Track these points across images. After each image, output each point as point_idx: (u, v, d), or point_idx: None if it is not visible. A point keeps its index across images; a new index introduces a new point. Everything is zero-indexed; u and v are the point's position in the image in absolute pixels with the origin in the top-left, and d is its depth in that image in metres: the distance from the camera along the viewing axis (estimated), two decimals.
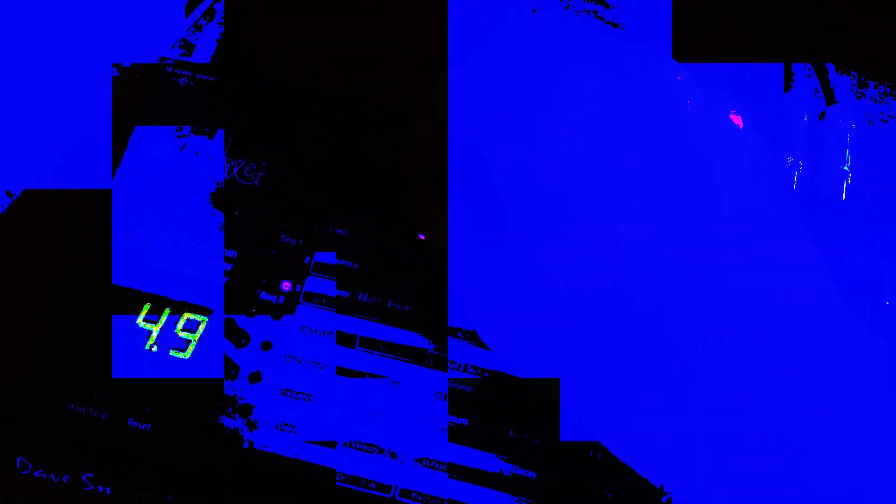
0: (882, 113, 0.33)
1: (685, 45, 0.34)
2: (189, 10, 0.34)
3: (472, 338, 0.29)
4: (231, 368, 0.28)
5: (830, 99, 0.33)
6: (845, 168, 0.32)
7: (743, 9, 0.36)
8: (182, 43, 0.33)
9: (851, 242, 0.30)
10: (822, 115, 0.33)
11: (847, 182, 0.32)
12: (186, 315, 0.29)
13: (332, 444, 0.28)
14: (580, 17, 0.34)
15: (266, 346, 0.29)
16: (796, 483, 0.21)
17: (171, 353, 0.28)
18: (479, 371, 0.28)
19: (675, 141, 0.23)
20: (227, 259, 0.30)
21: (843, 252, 0.30)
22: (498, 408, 0.28)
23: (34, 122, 0.32)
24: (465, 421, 0.28)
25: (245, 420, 0.28)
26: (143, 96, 0.32)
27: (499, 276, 0.24)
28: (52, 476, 0.27)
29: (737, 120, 0.23)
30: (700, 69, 0.33)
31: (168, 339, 0.29)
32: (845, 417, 0.22)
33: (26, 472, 0.27)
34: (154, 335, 0.29)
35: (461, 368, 0.28)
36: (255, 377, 0.28)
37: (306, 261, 0.30)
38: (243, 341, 0.29)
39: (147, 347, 0.28)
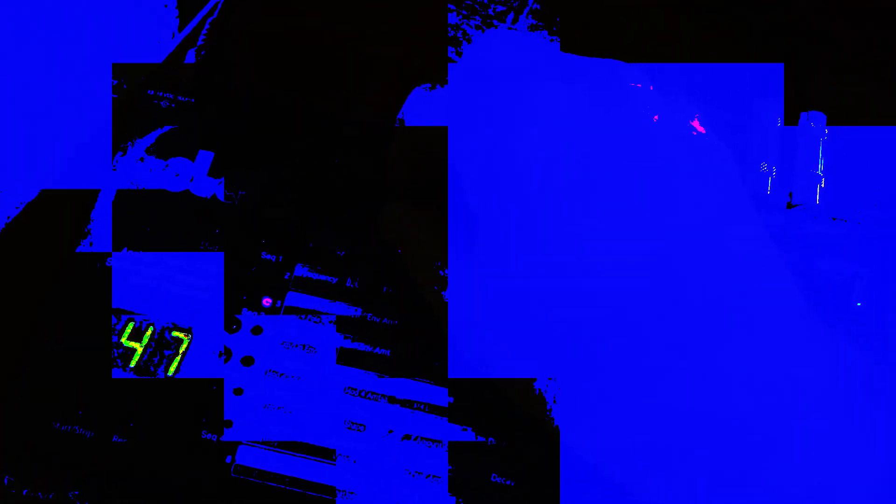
0: (854, 116, 0.33)
1: (655, 49, 0.34)
2: (181, 28, 0.35)
3: (456, 349, 0.29)
4: (213, 384, 0.29)
5: (804, 104, 0.34)
6: (818, 172, 0.32)
7: (715, 11, 0.36)
8: (163, 65, 0.34)
9: (825, 246, 0.30)
10: (796, 119, 0.33)
11: (820, 186, 0.32)
12: (169, 333, 0.29)
13: (314, 458, 0.28)
14: (545, 33, 0.35)
15: (247, 361, 0.29)
16: (780, 487, 0.21)
17: (155, 370, 0.29)
18: (461, 381, 0.29)
19: (642, 150, 0.23)
20: (208, 276, 0.30)
21: (816, 255, 0.30)
22: (481, 417, 0.28)
23: (33, 124, 0.33)
24: (449, 431, 0.28)
25: (228, 435, 0.28)
26: (125, 118, 0.33)
27: (477, 284, 0.25)
28: (39, 494, 0.28)
29: (698, 126, 0.24)
30: (669, 71, 0.33)
31: (151, 356, 0.29)
32: (820, 418, 0.22)
33: (14, 490, 0.28)
34: (137, 353, 0.29)
35: (442, 380, 0.29)
36: (237, 392, 0.29)
37: (286, 276, 0.30)
38: (225, 357, 0.29)
39: (131, 365, 0.29)
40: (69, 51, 0.35)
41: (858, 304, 0.29)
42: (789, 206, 0.31)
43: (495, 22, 0.36)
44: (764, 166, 0.32)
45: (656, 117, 0.23)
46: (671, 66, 0.34)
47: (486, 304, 0.24)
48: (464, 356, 0.26)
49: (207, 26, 0.36)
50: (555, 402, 0.24)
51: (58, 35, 0.35)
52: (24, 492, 0.27)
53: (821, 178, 0.32)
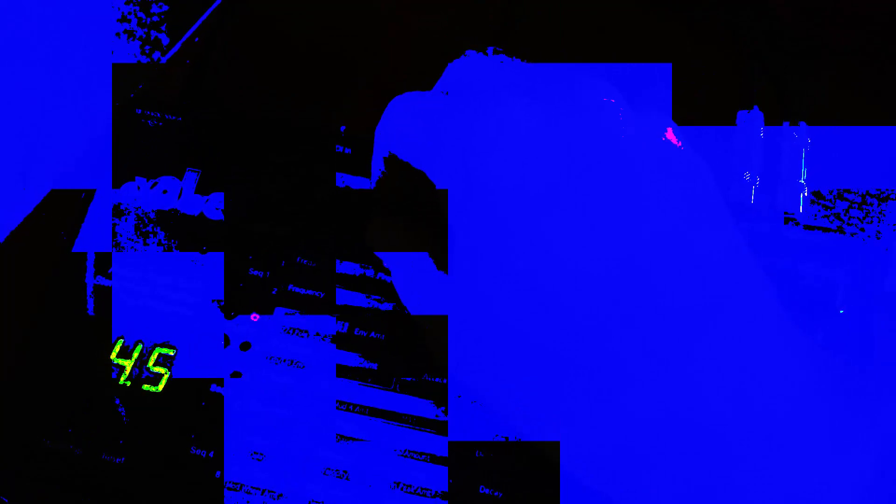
0: (838, 125, 0.34)
1: (637, 55, 0.35)
2: (169, 47, 0.36)
3: (439, 363, 0.29)
4: (202, 399, 0.29)
5: (786, 113, 0.34)
6: (801, 181, 0.32)
7: (700, 22, 0.37)
8: (151, 84, 0.34)
9: (809, 252, 0.31)
10: (779, 129, 0.33)
11: (804, 195, 0.32)
12: (158, 350, 0.30)
13: (304, 472, 0.28)
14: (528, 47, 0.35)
15: (236, 376, 0.29)
16: (762, 491, 0.21)
17: (144, 387, 0.29)
18: (444, 394, 0.29)
19: (616, 163, 0.23)
20: (196, 293, 0.30)
21: (800, 262, 0.30)
22: (465, 426, 0.29)
23: (33, 125, 0.34)
24: (437, 444, 0.28)
25: (217, 450, 0.28)
26: (120, 129, 0.33)
27: (455, 300, 0.25)
28: None
29: (672, 137, 0.24)
30: (650, 79, 0.34)
31: (140, 373, 0.29)
32: (803, 429, 0.22)
33: None
34: (127, 370, 0.29)
35: (430, 393, 0.29)
36: (225, 407, 0.29)
37: (274, 292, 0.30)
38: (213, 373, 0.29)
39: (121, 382, 0.29)
40: (71, 53, 0.35)
41: (841, 311, 0.29)
42: (787, 220, 0.31)
43: (484, 35, 0.36)
44: (747, 175, 0.32)
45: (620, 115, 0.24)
46: (652, 74, 0.34)
47: (472, 316, 0.25)
48: (459, 372, 0.26)
49: (195, 44, 0.36)
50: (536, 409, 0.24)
51: (60, 37, 0.36)
52: None
53: (804, 186, 0.32)
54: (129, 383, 0.29)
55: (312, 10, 0.37)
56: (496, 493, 0.28)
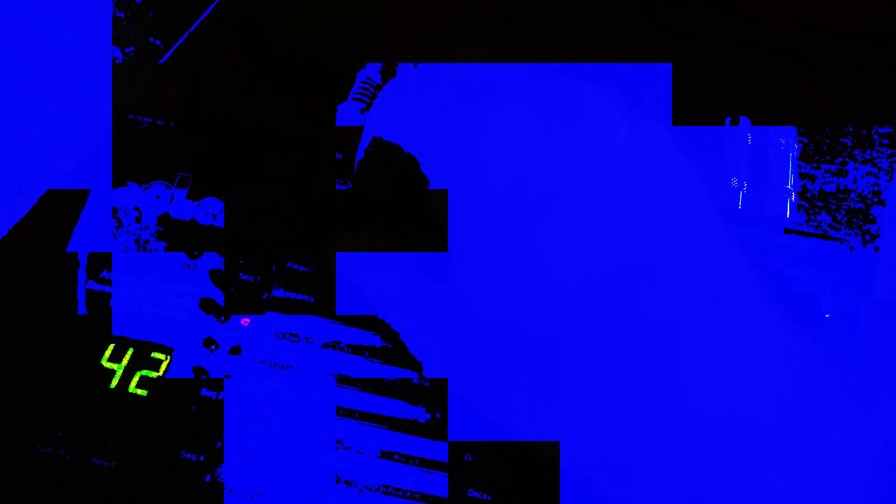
0: (824, 130, 0.34)
1: (627, 64, 0.35)
2: (162, 53, 0.36)
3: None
4: (193, 404, 0.29)
5: (774, 119, 0.34)
6: (789, 186, 0.33)
7: (690, 28, 0.37)
8: (143, 90, 0.35)
9: (795, 257, 0.31)
10: (766, 134, 0.34)
11: (791, 200, 0.32)
12: (149, 354, 0.30)
13: (294, 475, 0.28)
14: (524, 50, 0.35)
15: (226, 379, 0.29)
16: (758, 492, 0.22)
17: (135, 390, 0.29)
18: (436, 397, 0.29)
19: (606, 169, 0.24)
20: (187, 297, 0.30)
21: (786, 267, 0.30)
22: (464, 426, 0.29)
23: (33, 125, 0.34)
24: (428, 447, 0.29)
25: (208, 454, 0.28)
26: (107, 143, 0.33)
27: (445, 305, 0.25)
28: None
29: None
30: (643, 77, 0.34)
31: (131, 377, 0.29)
32: (801, 426, 0.22)
33: None
34: (118, 374, 0.29)
35: (417, 396, 0.29)
36: (216, 411, 0.29)
37: (265, 297, 0.31)
38: (204, 377, 0.29)
39: (111, 387, 0.29)
40: (69, 58, 0.36)
41: (827, 316, 0.29)
42: (774, 225, 0.32)
43: (484, 36, 0.37)
44: (735, 181, 0.33)
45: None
46: (652, 75, 0.34)
47: (466, 323, 0.25)
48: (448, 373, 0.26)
49: (192, 48, 0.36)
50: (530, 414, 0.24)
51: (58, 41, 0.36)
52: None
53: (791, 191, 0.33)
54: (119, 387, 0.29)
55: (311, 14, 0.37)
56: (493, 494, 0.28)
